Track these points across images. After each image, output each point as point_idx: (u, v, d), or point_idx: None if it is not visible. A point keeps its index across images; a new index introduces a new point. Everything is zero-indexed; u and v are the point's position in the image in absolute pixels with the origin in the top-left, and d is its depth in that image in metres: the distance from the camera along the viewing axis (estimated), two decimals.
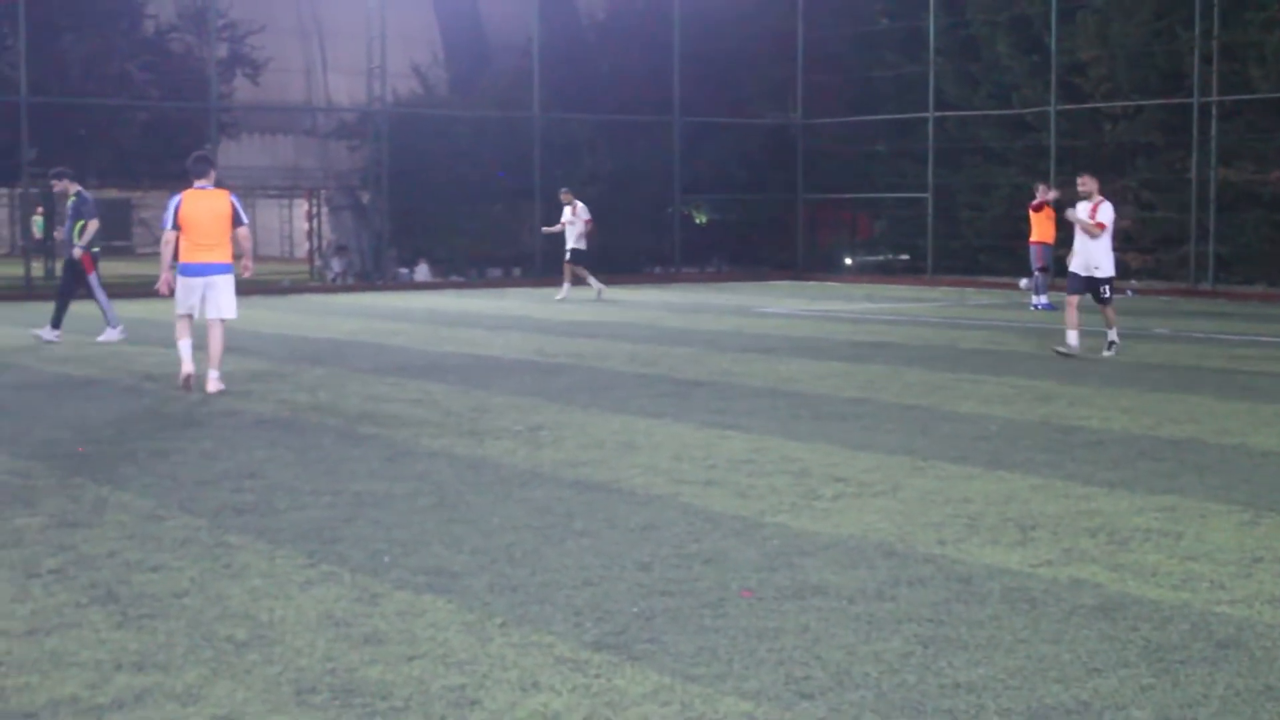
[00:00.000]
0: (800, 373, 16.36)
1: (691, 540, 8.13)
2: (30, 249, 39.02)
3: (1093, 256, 18.14)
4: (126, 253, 64.21)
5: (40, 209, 45.07)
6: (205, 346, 15.06)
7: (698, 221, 42.77)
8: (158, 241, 15.56)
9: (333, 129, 41.83)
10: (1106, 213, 18.17)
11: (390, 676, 5.80)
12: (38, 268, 38.35)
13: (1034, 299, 27.25)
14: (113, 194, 51.82)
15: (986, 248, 36.98)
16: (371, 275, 38.13)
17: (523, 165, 37.48)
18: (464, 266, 39.21)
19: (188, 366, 14.82)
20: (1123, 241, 34.43)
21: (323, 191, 44.05)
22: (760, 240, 42.61)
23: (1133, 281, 32.94)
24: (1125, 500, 9.18)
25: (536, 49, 37.60)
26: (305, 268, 44.99)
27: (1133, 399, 14.03)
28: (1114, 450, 11.08)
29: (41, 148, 34.98)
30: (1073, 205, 18.35)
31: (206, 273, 14.88)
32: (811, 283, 37.68)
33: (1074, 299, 18.00)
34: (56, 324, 20.28)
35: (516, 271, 38.91)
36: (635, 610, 6.75)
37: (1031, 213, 27.28)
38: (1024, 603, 6.86)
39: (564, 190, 31.16)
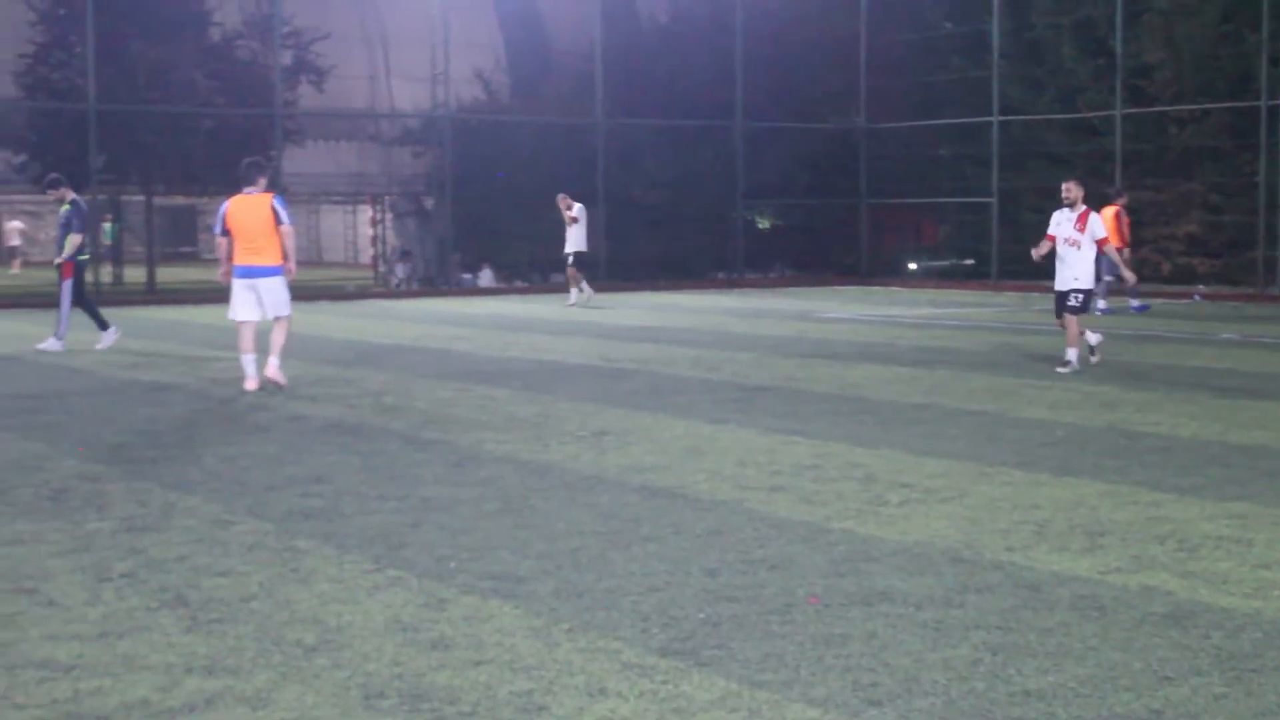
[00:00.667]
0: (865, 378, 16.31)
1: (757, 546, 8.11)
2: (98, 255, 39.37)
3: (1074, 269, 17.07)
4: (192, 259, 64.86)
5: (109, 216, 45.53)
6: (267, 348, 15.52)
7: (760, 227, 42.70)
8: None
9: (396, 135, 42.01)
10: (1097, 226, 17.06)
11: (457, 682, 5.82)
12: (106, 274, 38.71)
13: (1131, 303, 26.89)
14: (178, 200, 52.28)
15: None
16: (435, 280, 38.27)
17: (585, 171, 37.52)
18: (527, 272, 39.31)
19: (251, 383, 15.26)
20: (1189, 246, 34.29)
21: (387, 197, 44.25)
22: (823, 245, 42.49)
23: (1200, 286, 32.69)
24: (1195, 507, 9.09)
25: (599, 54, 37.64)
26: (369, 273, 45.22)
27: (1201, 405, 13.91)
28: (1182, 456, 10.98)
29: (110, 155, 35.27)
30: (1059, 209, 17.26)
31: (255, 275, 15.30)
32: (875, 288, 37.55)
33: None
34: (104, 325, 20.46)
35: None
36: (702, 616, 6.74)
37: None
38: (1093, 610, 6.81)
39: (562, 195, 30.69)
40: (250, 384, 15.23)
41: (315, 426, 12.79)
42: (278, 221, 15.23)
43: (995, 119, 37.12)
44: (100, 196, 35.61)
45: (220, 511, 9.11)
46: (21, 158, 37.04)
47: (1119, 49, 34.59)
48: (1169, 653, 6.16)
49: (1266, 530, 8.43)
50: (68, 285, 20.66)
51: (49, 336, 20.61)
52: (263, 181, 15.48)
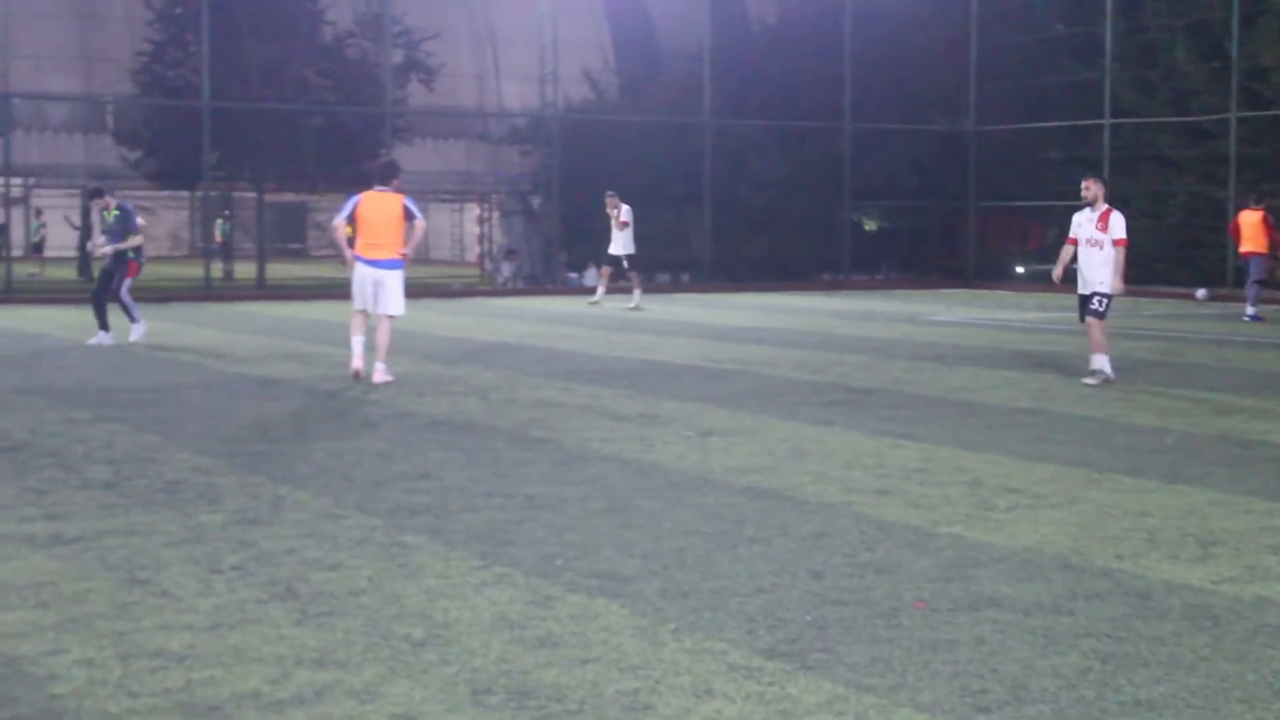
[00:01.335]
0: (971, 382, 16.20)
1: (864, 549, 8.08)
2: (211, 252, 39.94)
3: (1096, 273, 16.05)
4: (302, 255, 65.57)
5: (226, 213, 46.18)
6: (374, 345, 15.87)
7: (867, 229, 42.51)
8: (332, 244, 16.54)
9: (504, 134, 42.25)
10: (1119, 226, 15.94)
11: (564, 680, 5.84)
12: (217, 269, 39.24)
13: (1248, 310, 26.52)
14: (288, 197, 52.87)
15: (1162, 257, 36.30)
16: (541, 279, 38.44)
17: (693, 171, 37.55)
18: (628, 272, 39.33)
19: (357, 362, 15.89)
20: None
21: (494, 196, 44.52)
22: (931, 248, 42.26)
23: None
24: None
25: (707, 54, 37.62)
26: (476, 271, 45.52)
27: None
28: None
29: (222, 152, 35.76)
30: (1080, 210, 16.33)
31: (378, 267, 15.88)
32: (982, 291, 37.29)
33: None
34: (105, 328, 20.67)
35: (685, 277, 38.99)
36: (808, 619, 6.72)
37: (1243, 223, 26.74)
38: (1206, 620, 6.72)
39: (610, 195, 30.47)
40: (356, 362, 15.84)
41: (422, 423, 12.88)
42: (409, 217, 15.87)
43: (1107, 121, 36.72)
44: (213, 193, 36.05)
45: (330, 506, 9.20)
46: (137, 154, 37.66)
47: (1234, 51, 34.09)
48: None
49: None
50: (128, 282, 21.16)
51: (133, 328, 21.00)
52: (396, 183, 16.14)
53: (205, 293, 33.54)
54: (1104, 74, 36.78)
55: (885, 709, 5.53)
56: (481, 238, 46.18)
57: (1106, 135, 36.71)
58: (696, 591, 7.19)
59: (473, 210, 52.46)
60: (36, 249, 46.41)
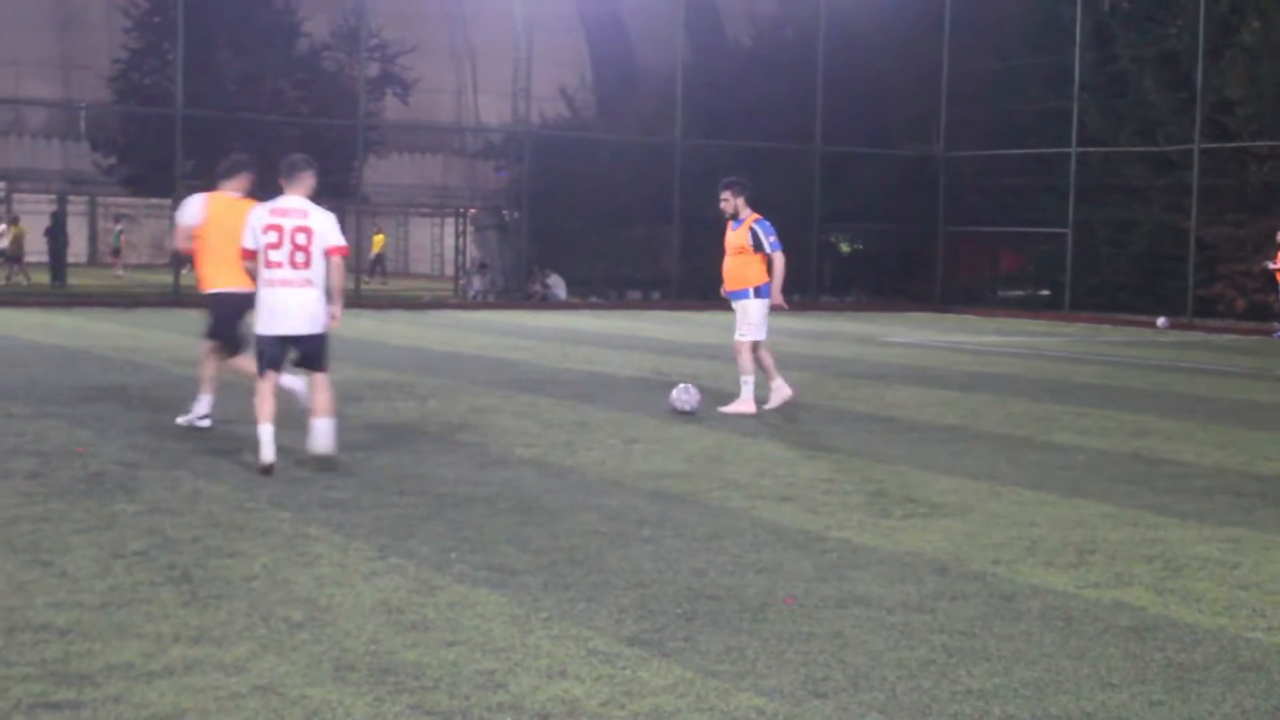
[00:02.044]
0: (906, 400, 16.48)
1: (752, 550, 8.35)
2: (179, 259, 39.94)
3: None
4: None
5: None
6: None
7: (843, 250, 42.80)
8: None
9: (480, 149, 42.58)
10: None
11: (426, 659, 6.11)
12: (187, 276, 39.40)
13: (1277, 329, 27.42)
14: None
15: (1126, 285, 36.68)
16: (512, 293, 38.71)
17: (663, 190, 37.84)
18: (603, 288, 39.67)
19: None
20: (1266, 283, 34.08)
21: (469, 210, 44.78)
22: (900, 272, 42.57)
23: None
24: (1194, 530, 9.23)
25: (680, 74, 37.93)
26: (451, 285, 45.72)
27: (1234, 435, 13.97)
28: (1199, 483, 11.08)
29: (197, 161, 35.97)
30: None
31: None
32: (950, 315, 37.59)
33: None
34: None
35: (655, 294, 39.28)
36: (679, 611, 6.98)
37: None
38: (1059, 620, 7.00)
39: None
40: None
41: (356, 425, 13.08)
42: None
43: (1074, 150, 37.13)
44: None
45: (244, 500, 9.46)
46: (112, 160, 37.93)
47: (1199, 83, 34.49)
48: (1120, 662, 6.35)
49: (1255, 554, 8.56)
50: None
51: None
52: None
53: (174, 299, 33.74)
54: (1073, 103, 37.18)
55: (726, 693, 5.80)
56: (456, 251, 46.44)
57: (1074, 163, 37.11)
58: (578, 585, 7.45)
59: (452, 224, 52.70)
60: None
